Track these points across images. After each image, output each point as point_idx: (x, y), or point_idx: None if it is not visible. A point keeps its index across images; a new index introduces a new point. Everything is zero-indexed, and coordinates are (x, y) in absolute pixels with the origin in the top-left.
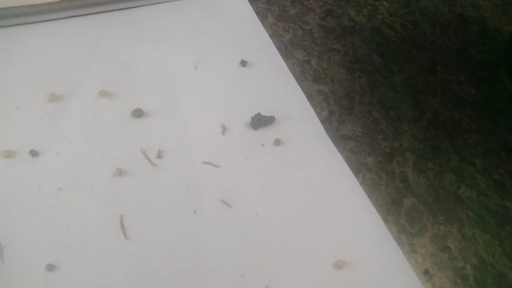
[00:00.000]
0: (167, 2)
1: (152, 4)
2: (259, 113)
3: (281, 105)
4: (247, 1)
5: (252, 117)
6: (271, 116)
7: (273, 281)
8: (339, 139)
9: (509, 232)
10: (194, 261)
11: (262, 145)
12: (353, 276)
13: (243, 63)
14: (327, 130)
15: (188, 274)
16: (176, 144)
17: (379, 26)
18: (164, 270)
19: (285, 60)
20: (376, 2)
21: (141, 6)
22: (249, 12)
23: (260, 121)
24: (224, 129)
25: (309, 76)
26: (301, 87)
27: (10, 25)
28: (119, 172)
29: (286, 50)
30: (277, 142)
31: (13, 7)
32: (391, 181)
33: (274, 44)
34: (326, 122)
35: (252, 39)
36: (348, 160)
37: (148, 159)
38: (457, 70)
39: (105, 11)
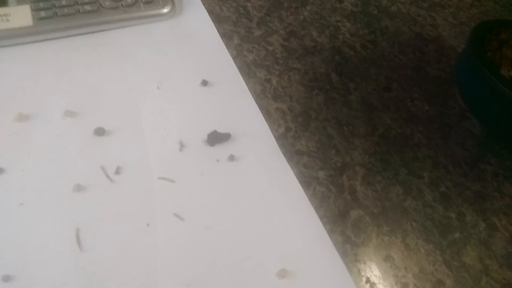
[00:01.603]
0: (136, 25)
1: (122, 27)
2: (215, 130)
3: (238, 122)
4: (212, 24)
5: (208, 134)
6: (227, 133)
7: None
8: (294, 154)
9: (451, 242)
10: (145, 272)
11: (217, 160)
12: (294, 285)
13: (204, 83)
14: (283, 146)
15: (138, 283)
16: (135, 161)
17: (339, 46)
18: (115, 280)
19: (247, 79)
20: (339, 23)
21: (111, 29)
22: (214, 34)
23: (216, 138)
24: (181, 146)
25: (269, 94)
26: (261, 105)
27: None
28: (78, 188)
29: (249, 69)
30: (232, 158)
31: None
32: (340, 194)
33: (238, 64)
34: (282, 138)
35: (215, 60)
36: (300, 174)
37: (107, 175)
38: (412, 87)
39: (76, 35)
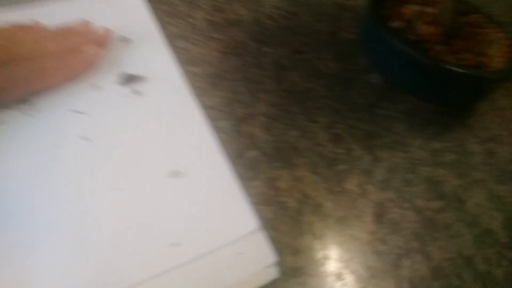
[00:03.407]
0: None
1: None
2: (127, 72)
3: (150, 67)
4: None
5: (120, 74)
6: (140, 76)
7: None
8: (203, 110)
9: (335, 172)
10: None
11: (126, 96)
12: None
13: (124, 39)
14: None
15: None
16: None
17: (260, 18)
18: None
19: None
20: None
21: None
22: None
23: (128, 78)
24: (93, 86)
25: (185, 61)
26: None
27: None
28: None
29: (170, 41)
30: (139, 93)
31: None
32: (238, 138)
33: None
34: (193, 95)
35: (136, 20)
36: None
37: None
38: (322, 49)
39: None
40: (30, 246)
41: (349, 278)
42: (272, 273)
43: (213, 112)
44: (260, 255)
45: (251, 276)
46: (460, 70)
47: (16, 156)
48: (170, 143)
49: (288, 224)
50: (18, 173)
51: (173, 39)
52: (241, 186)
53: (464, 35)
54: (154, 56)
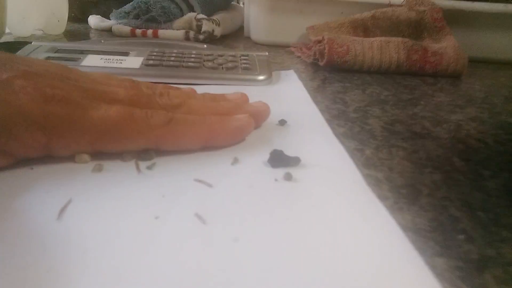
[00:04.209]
0: (231, 85)
1: (217, 84)
2: (280, 150)
3: (311, 151)
4: (305, 90)
5: (271, 153)
6: (295, 157)
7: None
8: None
9: None
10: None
11: (276, 180)
12: None
13: (282, 122)
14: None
15: None
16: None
17: (462, 137)
18: None
19: None
20: (461, 122)
21: (207, 85)
22: (305, 97)
23: (279, 160)
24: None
25: (359, 161)
26: None
27: None
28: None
29: (336, 138)
30: (293, 178)
31: None
32: None
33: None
34: None
35: (298, 107)
36: None
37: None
38: None
39: (176, 83)
40: None
41: None
42: None
43: (413, 237)
44: None
45: None
46: None
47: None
48: (339, 253)
49: None
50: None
51: (341, 138)
52: None
53: None
54: (317, 143)
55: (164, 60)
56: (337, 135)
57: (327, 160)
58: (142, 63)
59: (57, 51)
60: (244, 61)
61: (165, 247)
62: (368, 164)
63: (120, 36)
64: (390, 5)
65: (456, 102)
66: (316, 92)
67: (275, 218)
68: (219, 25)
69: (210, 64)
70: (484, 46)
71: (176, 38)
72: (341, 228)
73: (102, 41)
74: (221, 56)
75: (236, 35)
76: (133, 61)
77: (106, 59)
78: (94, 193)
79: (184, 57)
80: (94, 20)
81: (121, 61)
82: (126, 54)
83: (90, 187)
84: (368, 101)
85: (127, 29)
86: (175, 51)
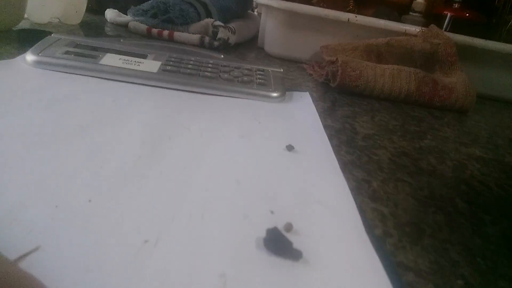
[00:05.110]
0: (244, 99)
1: (231, 97)
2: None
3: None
4: (318, 116)
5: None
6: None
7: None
8: (393, 265)
9: None
10: None
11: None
12: None
13: (290, 148)
14: (377, 250)
15: None
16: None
17: (467, 178)
18: None
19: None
20: (465, 161)
21: (221, 96)
22: (316, 121)
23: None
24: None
25: (365, 193)
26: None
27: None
28: None
29: (344, 167)
30: (288, 228)
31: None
32: None
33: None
34: (376, 241)
35: (308, 134)
36: None
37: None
38: None
39: (191, 91)
40: None
41: None
42: None
43: (413, 278)
44: None
45: None
46: None
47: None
48: None
49: None
50: None
51: (349, 166)
52: None
53: None
54: (321, 177)
55: (181, 67)
56: (345, 163)
57: (328, 199)
58: (160, 68)
59: (76, 45)
60: (260, 76)
61: None
62: (374, 197)
63: (136, 33)
64: (405, 34)
65: (461, 139)
66: (326, 114)
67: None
68: (234, 33)
69: (226, 75)
70: (493, 84)
71: (191, 42)
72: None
73: (121, 40)
74: (238, 68)
75: (250, 44)
76: (151, 65)
77: (124, 59)
78: None
79: (202, 66)
80: (111, 14)
81: (139, 63)
82: (144, 56)
83: None
84: (376, 130)
85: (143, 27)
86: (193, 58)
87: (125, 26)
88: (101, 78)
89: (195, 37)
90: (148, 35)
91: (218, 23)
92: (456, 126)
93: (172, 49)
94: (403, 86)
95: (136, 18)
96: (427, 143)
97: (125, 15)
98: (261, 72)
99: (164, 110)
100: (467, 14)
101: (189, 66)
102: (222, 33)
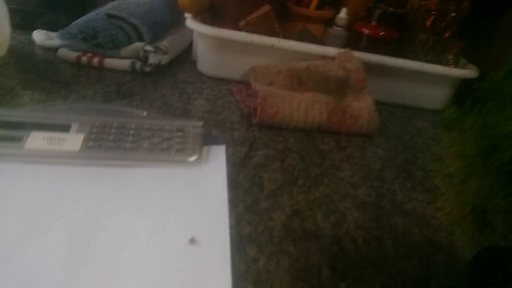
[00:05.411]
0: (162, 166)
1: (150, 166)
2: None
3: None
4: (226, 189)
5: None
6: None
7: None
8: None
9: None
10: None
11: None
12: None
13: (192, 241)
14: None
15: None
16: None
17: (341, 237)
18: None
19: (236, 254)
20: (347, 211)
21: (141, 166)
22: (223, 199)
23: None
24: None
25: (250, 278)
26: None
27: None
28: None
29: (240, 244)
30: None
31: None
32: None
33: (233, 235)
34: None
35: (212, 223)
36: None
37: None
38: None
39: (111, 165)
40: None
41: None
42: None
43: None
44: None
45: None
46: None
47: None
48: None
49: None
50: None
51: (246, 243)
52: None
53: None
54: (212, 266)
55: (103, 139)
56: (243, 237)
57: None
58: (82, 144)
59: None
60: (179, 139)
61: None
62: (257, 280)
63: (65, 61)
64: (325, 56)
65: (354, 179)
66: (240, 166)
67: None
68: (166, 53)
69: (147, 144)
70: (403, 94)
71: (122, 68)
72: None
73: (45, 107)
74: (160, 130)
75: (184, 57)
76: (74, 141)
77: (48, 138)
78: None
79: (123, 134)
80: (39, 38)
81: (63, 141)
82: (67, 128)
83: None
84: (282, 181)
85: (72, 55)
86: (115, 124)
87: (54, 50)
88: (26, 162)
89: (126, 63)
90: (77, 63)
91: (148, 47)
92: (356, 159)
93: (95, 110)
94: (316, 118)
95: (65, 42)
96: (321, 191)
97: (53, 38)
98: (181, 133)
99: (85, 205)
100: (382, 33)
101: (111, 137)
102: (152, 58)
